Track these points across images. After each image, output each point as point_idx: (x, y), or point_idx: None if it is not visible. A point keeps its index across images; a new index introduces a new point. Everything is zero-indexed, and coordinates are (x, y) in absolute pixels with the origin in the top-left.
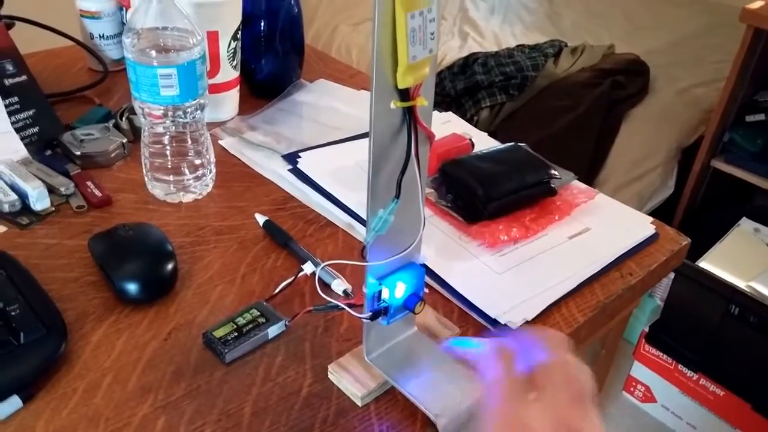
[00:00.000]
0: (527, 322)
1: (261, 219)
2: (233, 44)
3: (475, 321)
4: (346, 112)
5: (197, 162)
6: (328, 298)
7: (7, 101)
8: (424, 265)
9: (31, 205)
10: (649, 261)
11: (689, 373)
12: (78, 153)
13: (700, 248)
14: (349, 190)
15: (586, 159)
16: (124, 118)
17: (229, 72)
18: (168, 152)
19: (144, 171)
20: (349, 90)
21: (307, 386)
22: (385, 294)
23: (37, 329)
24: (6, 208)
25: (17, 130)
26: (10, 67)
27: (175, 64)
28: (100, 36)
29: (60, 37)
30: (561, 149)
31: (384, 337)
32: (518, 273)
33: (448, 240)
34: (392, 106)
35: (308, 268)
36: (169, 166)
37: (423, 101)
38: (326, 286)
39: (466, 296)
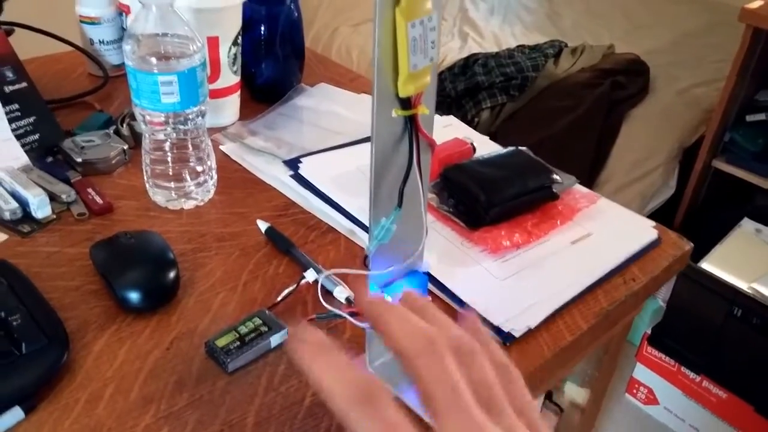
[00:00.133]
0: (530, 330)
1: (263, 225)
2: (233, 49)
3: None
4: (347, 116)
5: (198, 168)
6: (330, 307)
7: (8, 108)
8: (427, 273)
9: (32, 213)
10: (651, 266)
11: (692, 375)
12: (79, 160)
13: (701, 248)
14: (350, 196)
15: (587, 159)
16: (124, 124)
17: (229, 77)
18: (169, 159)
19: (145, 178)
20: (350, 94)
21: (310, 395)
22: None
23: (39, 339)
24: (7, 216)
25: (18, 137)
26: (10, 74)
27: (175, 71)
28: (100, 41)
29: (59, 42)
30: (562, 150)
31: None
32: (521, 279)
33: (450, 246)
34: (393, 114)
35: (310, 276)
36: (171, 173)
37: (424, 110)
38: (328, 293)
39: (468, 303)
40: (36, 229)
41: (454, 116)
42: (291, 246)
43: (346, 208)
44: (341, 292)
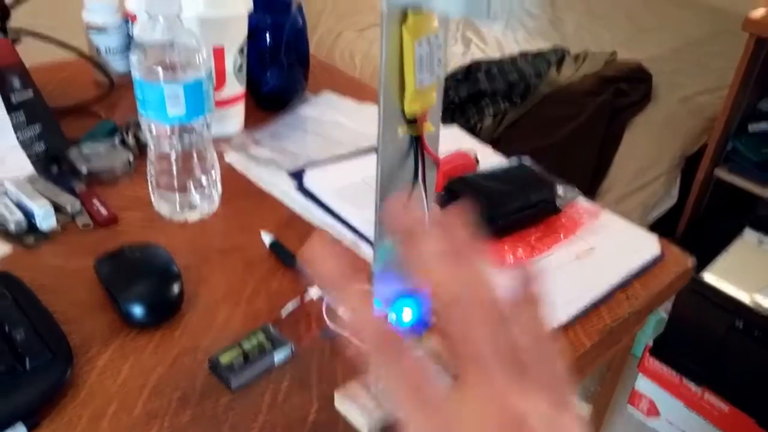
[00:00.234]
0: None
1: (267, 238)
2: (239, 59)
3: None
4: (351, 126)
5: (203, 180)
6: (333, 326)
7: (13, 117)
8: None
9: (37, 224)
10: (654, 283)
11: (694, 388)
12: (84, 170)
13: (703, 258)
14: (354, 208)
15: (589, 168)
16: (130, 134)
17: (234, 86)
18: (174, 170)
19: (150, 188)
20: (354, 103)
21: (314, 413)
22: (392, 320)
23: (43, 354)
24: (12, 227)
25: (23, 146)
26: (16, 83)
27: (182, 82)
28: (106, 49)
29: (66, 48)
30: (564, 158)
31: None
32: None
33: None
34: (400, 133)
35: (314, 292)
36: (175, 184)
37: (430, 127)
38: (331, 308)
39: None
40: (41, 240)
41: (457, 122)
42: (295, 260)
43: (350, 221)
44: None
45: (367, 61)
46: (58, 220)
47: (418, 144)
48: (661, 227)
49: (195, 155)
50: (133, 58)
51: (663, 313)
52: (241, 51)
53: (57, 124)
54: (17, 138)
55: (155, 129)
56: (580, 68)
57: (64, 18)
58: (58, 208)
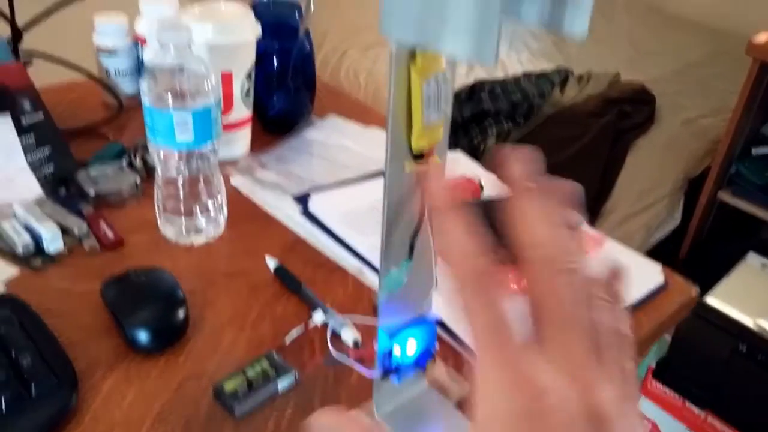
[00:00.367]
0: None
1: (272, 263)
2: (246, 84)
3: None
4: (356, 149)
5: (209, 204)
6: (336, 354)
7: (23, 139)
8: (436, 321)
9: (45, 247)
10: (658, 312)
11: (697, 411)
12: (92, 192)
13: (706, 281)
14: (359, 234)
15: (592, 189)
16: (137, 156)
17: (241, 111)
18: (181, 194)
19: (157, 212)
20: (359, 127)
21: None
22: (397, 352)
23: (48, 380)
24: (20, 249)
25: (33, 168)
26: (27, 106)
27: (191, 109)
28: (116, 72)
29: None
30: (567, 178)
31: (394, 393)
32: (530, 323)
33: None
34: (407, 169)
35: (318, 318)
36: (182, 209)
37: (437, 161)
38: (335, 334)
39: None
40: (48, 263)
41: (461, 142)
42: (300, 285)
43: (355, 247)
44: (349, 335)
45: (371, 78)
46: (65, 243)
47: None
48: (663, 249)
49: (202, 180)
50: (144, 84)
51: (666, 335)
52: (249, 76)
53: (66, 146)
54: (27, 160)
55: (163, 154)
56: (583, 89)
57: (74, 39)
58: (65, 231)
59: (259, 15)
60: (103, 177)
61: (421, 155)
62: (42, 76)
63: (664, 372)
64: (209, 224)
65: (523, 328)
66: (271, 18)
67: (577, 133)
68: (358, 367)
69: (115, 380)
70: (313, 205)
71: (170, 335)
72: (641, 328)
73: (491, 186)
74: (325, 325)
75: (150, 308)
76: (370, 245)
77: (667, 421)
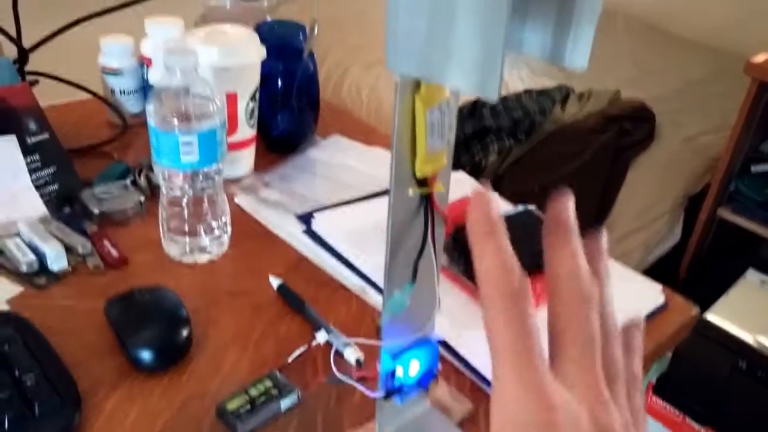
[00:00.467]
0: None
1: (275, 282)
2: (251, 104)
3: (488, 395)
4: (359, 169)
5: (213, 224)
6: (339, 374)
7: (29, 159)
8: (439, 341)
9: (49, 266)
10: (657, 334)
11: (697, 427)
12: (96, 211)
13: (706, 298)
14: (363, 253)
15: (592, 206)
16: (141, 176)
17: (246, 131)
18: (185, 214)
19: (161, 231)
20: (362, 147)
21: None
22: (399, 372)
23: (52, 398)
24: (24, 268)
25: (37, 188)
26: (33, 126)
27: (196, 131)
28: (121, 91)
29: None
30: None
31: (396, 413)
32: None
33: (460, 308)
34: (410, 193)
35: (321, 337)
36: (186, 228)
37: (440, 187)
38: (339, 353)
39: (478, 370)
40: (51, 281)
41: (462, 159)
42: (303, 305)
43: (358, 266)
44: (351, 354)
45: (373, 95)
46: (69, 261)
47: (428, 203)
48: (663, 265)
49: (206, 200)
50: (149, 107)
51: (666, 351)
52: (254, 96)
53: (71, 165)
54: (32, 179)
55: (168, 174)
56: (584, 107)
57: (78, 59)
58: (69, 249)
59: (263, 36)
60: (108, 196)
61: (425, 181)
62: (47, 95)
63: (664, 388)
64: (213, 244)
65: (544, 347)
66: (276, 39)
67: (577, 149)
68: (361, 387)
69: (118, 399)
70: (317, 224)
71: (173, 354)
72: (644, 349)
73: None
74: (328, 344)
75: (153, 327)
76: (374, 264)
77: None
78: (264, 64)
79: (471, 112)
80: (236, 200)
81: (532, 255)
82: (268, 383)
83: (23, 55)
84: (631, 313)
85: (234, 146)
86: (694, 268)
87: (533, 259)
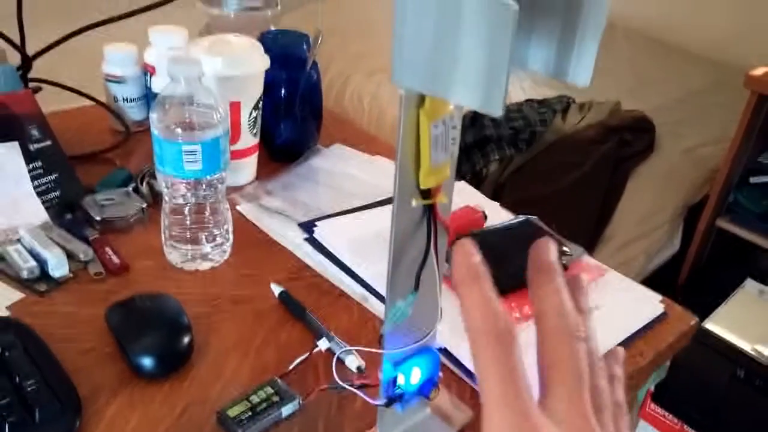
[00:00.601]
0: None
1: (276, 290)
2: (254, 113)
3: None
4: (361, 178)
5: (216, 231)
6: (340, 382)
7: (31, 166)
8: (440, 349)
9: (50, 272)
10: (657, 342)
11: None
12: (98, 218)
13: (705, 308)
14: (365, 261)
15: (592, 216)
16: (144, 183)
17: (249, 139)
18: (187, 222)
19: (162, 238)
20: (364, 156)
21: None
22: (401, 380)
23: (52, 405)
24: (25, 274)
25: (39, 194)
26: (35, 133)
27: (199, 141)
28: (124, 99)
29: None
30: (568, 205)
31: (397, 420)
32: (530, 352)
33: (460, 317)
34: (413, 204)
35: (323, 344)
36: (188, 236)
37: (443, 198)
38: (340, 361)
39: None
40: (53, 288)
41: (463, 168)
42: (304, 312)
43: (360, 275)
44: (353, 361)
45: (375, 103)
46: (70, 268)
47: (431, 214)
48: (663, 275)
49: (209, 208)
50: (153, 115)
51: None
52: (257, 105)
53: (73, 172)
54: (33, 186)
55: (171, 182)
56: (584, 117)
57: (81, 66)
58: (70, 256)
59: (267, 45)
60: (110, 202)
61: (429, 192)
62: (50, 102)
63: (662, 396)
64: (215, 252)
65: (532, 384)
66: (279, 48)
67: (578, 160)
68: (362, 394)
69: (119, 405)
70: (319, 233)
71: (174, 361)
72: (641, 357)
73: (494, 214)
74: (329, 352)
75: (154, 334)
76: (375, 273)
77: None
78: (267, 74)
79: (472, 121)
80: (238, 208)
81: None
82: (270, 390)
83: (27, 63)
84: (632, 321)
85: (237, 155)
86: (693, 278)
87: None
